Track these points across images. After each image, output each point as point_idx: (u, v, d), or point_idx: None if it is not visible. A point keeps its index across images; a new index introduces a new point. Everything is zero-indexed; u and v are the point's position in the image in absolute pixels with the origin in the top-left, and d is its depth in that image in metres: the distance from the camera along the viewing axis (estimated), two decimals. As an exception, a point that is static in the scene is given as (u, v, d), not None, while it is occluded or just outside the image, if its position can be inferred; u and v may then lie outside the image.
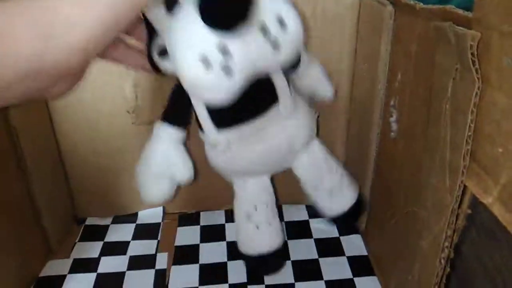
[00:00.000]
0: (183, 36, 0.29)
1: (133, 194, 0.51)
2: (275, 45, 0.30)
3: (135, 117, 0.50)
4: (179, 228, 0.55)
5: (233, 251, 0.49)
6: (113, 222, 0.56)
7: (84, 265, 0.49)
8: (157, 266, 0.49)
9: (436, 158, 0.31)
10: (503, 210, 0.24)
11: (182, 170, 0.41)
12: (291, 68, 0.41)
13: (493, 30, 0.24)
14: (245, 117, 0.38)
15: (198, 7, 0.27)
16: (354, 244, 0.52)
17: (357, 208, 0.49)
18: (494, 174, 0.25)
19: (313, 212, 0.57)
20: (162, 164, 0.40)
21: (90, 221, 0.57)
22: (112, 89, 0.49)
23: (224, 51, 0.29)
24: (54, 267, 0.48)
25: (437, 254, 0.31)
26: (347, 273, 0.47)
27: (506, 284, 0.26)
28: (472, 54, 0.26)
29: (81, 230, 0.55)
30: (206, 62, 0.29)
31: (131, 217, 0.56)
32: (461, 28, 0.27)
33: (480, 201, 0.26)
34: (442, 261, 0.31)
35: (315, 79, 0.45)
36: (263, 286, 0.46)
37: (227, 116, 0.38)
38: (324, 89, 0.46)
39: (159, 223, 0.56)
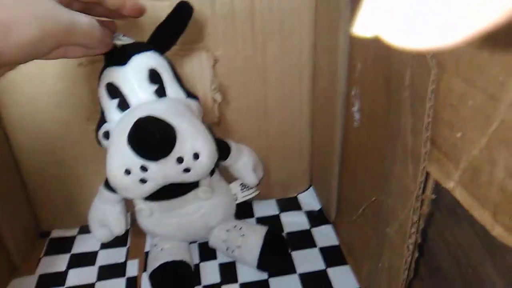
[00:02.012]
0: (117, 149, 0.37)
1: (98, 202, 0.49)
2: (186, 170, 0.38)
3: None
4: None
5: (201, 253, 0.49)
6: (80, 232, 0.54)
7: (51, 280, 0.47)
8: (128, 274, 0.48)
9: (398, 146, 0.32)
10: (464, 194, 0.24)
11: (115, 227, 0.47)
12: (220, 157, 0.45)
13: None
14: (166, 196, 0.43)
15: (128, 138, 0.35)
16: (325, 235, 0.52)
17: (272, 244, 0.47)
18: (454, 159, 0.25)
19: (283, 205, 0.57)
20: (102, 216, 0.47)
21: (55, 233, 0.55)
22: (69, 97, 0.47)
23: (144, 169, 0.37)
24: (19, 285, 0.46)
25: (404, 241, 0.31)
26: (320, 264, 0.48)
27: (468, 258, 0.26)
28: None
29: (46, 244, 0.53)
30: (128, 173, 0.37)
31: (98, 226, 0.55)
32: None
33: (442, 186, 0.27)
34: (410, 246, 0.31)
35: (240, 171, 0.49)
36: (237, 285, 0.46)
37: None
38: (248, 180, 0.50)
39: (127, 230, 0.54)
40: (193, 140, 0.37)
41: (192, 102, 0.41)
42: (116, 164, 0.37)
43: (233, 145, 0.48)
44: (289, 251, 0.49)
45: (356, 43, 0.40)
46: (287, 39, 0.48)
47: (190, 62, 0.46)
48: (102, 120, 0.41)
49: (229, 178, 0.50)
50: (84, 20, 0.32)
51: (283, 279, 0.46)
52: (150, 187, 0.38)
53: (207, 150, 0.38)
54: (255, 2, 0.45)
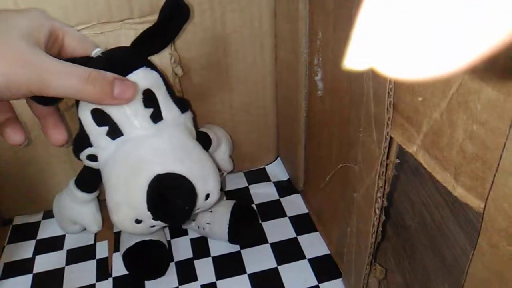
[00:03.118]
0: (127, 198, 0.34)
1: (62, 186, 0.48)
2: (197, 209, 0.37)
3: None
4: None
5: (171, 231, 0.49)
6: (44, 217, 0.53)
7: (17, 268, 0.46)
8: (98, 256, 0.47)
9: (361, 112, 0.32)
10: (427, 157, 0.25)
11: (92, 226, 0.47)
12: None
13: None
14: None
15: (150, 207, 0.33)
16: (294, 204, 0.53)
17: (241, 217, 0.47)
18: (416, 123, 0.26)
19: (252, 177, 0.58)
20: (75, 216, 0.46)
21: (18, 220, 0.53)
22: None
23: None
24: (-17, 275, 0.45)
25: (371, 205, 0.32)
26: (290, 233, 0.48)
27: (432, 215, 0.27)
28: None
29: (9, 231, 0.51)
30: (139, 222, 0.35)
31: (63, 209, 0.53)
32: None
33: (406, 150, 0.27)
34: (377, 211, 0.32)
35: (218, 160, 0.49)
36: (210, 258, 0.46)
37: None
38: (225, 167, 0.51)
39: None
40: (204, 183, 0.36)
41: (187, 117, 0.39)
42: (126, 216, 0.35)
43: (213, 137, 0.47)
44: (259, 222, 0.50)
45: (316, 10, 0.39)
46: (246, 9, 0.47)
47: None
48: (85, 141, 0.37)
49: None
50: (76, 70, 0.28)
51: (255, 249, 0.47)
52: (158, 228, 0.38)
53: (217, 189, 0.37)
54: (211, -30, 0.44)
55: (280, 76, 0.52)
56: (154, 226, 0.37)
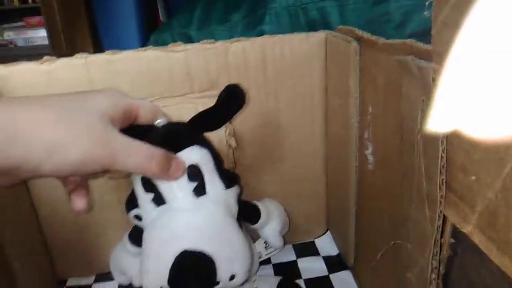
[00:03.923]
0: (155, 263, 0.36)
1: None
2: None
3: (111, 172, 0.49)
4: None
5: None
6: (96, 280, 0.54)
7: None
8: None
9: (413, 189, 0.31)
10: (482, 238, 0.24)
11: (135, 279, 0.47)
12: (249, 221, 0.47)
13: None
14: None
15: (169, 282, 0.35)
16: (344, 281, 0.51)
17: None
18: (470, 203, 0.25)
19: (301, 251, 0.56)
20: (124, 267, 0.47)
21: (71, 282, 0.54)
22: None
23: None
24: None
25: (425, 286, 0.30)
26: (340, 312, 0.46)
27: None
28: (436, 86, 0.26)
29: (62, 292, 0.52)
30: None
31: (114, 273, 0.54)
32: (423, 61, 0.28)
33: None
34: (432, 293, 0.30)
35: (267, 235, 0.49)
36: (255, 334, 0.44)
37: None
38: (274, 244, 0.50)
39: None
40: (231, 264, 0.36)
41: (231, 193, 0.40)
42: (153, 284, 0.36)
43: (263, 210, 0.47)
44: (308, 298, 0.48)
45: (366, 86, 0.40)
46: (299, 84, 0.49)
47: (204, 108, 0.47)
48: (134, 202, 0.40)
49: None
50: (143, 149, 0.31)
51: (302, 328, 0.45)
52: None
53: (243, 271, 0.37)
54: (266, 50, 0.47)
55: (330, 150, 0.53)
56: None
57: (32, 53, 1.11)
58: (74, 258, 0.54)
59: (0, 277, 0.44)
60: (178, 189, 0.37)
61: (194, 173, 0.37)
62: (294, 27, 0.63)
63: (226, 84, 0.47)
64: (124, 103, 0.33)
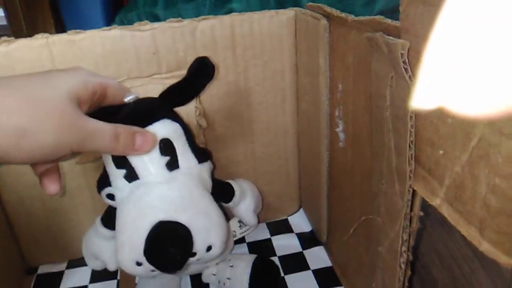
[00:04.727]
0: (129, 240, 0.35)
1: (86, 235, 0.49)
2: (197, 260, 0.37)
3: (79, 157, 0.48)
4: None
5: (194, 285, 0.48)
6: (68, 267, 0.53)
7: (39, 318, 0.46)
8: (119, 308, 0.47)
9: (383, 164, 0.32)
10: (450, 211, 0.25)
11: (110, 263, 0.47)
12: (222, 201, 0.47)
13: (421, 38, 0.25)
14: None
15: (144, 252, 0.34)
16: (318, 257, 0.52)
17: (261, 272, 0.46)
18: (438, 176, 0.25)
19: (274, 229, 0.57)
20: (97, 251, 0.47)
21: (42, 269, 0.53)
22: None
23: None
24: (6, 325, 0.45)
25: (396, 259, 0.31)
26: (314, 287, 0.47)
27: (461, 269, 0.26)
28: (404, 62, 0.26)
29: (33, 281, 0.51)
30: (139, 265, 0.36)
31: (87, 259, 0.54)
32: (391, 37, 0.28)
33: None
34: (402, 265, 0.31)
35: (241, 213, 0.50)
36: (231, 312, 0.45)
37: None
38: (248, 221, 0.51)
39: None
40: (207, 235, 0.36)
41: (204, 167, 0.40)
42: (128, 257, 0.36)
43: (236, 189, 0.47)
44: (282, 275, 0.49)
45: (336, 64, 0.40)
46: (269, 63, 0.49)
47: (173, 90, 0.46)
48: (106, 180, 0.39)
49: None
50: (108, 130, 0.31)
51: (277, 304, 0.45)
52: (158, 273, 0.38)
53: (220, 242, 0.37)
54: (235, 28, 0.46)
55: (301, 128, 0.53)
56: (154, 270, 0.36)
57: None
58: (45, 245, 0.53)
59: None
60: (150, 164, 0.36)
61: (166, 146, 0.37)
62: (263, 5, 0.62)
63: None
64: (92, 83, 0.32)
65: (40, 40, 0.42)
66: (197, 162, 0.39)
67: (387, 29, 0.29)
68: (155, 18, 0.78)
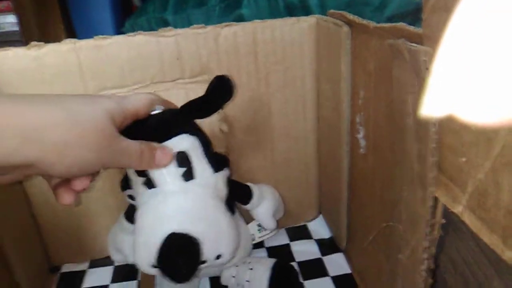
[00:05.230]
0: (146, 243, 0.37)
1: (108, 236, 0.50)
2: (206, 266, 0.39)
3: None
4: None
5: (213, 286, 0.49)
6: (90, 266, 0.54)
7: (62, 316, 0.47)
8: (139, 308, 0.47)
9: (405, 171, 0.32)
10: (472, 218, 0.24)
11: (130, 256, 0.48)
12: (240, 202, 0.48)
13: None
14: None
15: (157, 260, 0.36)
16: (337, 263, 0.51)
17: (280, 276, 0.47)
18: (460, 184, 0.25)
19: (293, 234, 0.57)
20: (119, 244, 0.48)
21: (65, 268, 0.54)
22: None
23: None
24: (30, 322, 0.46)
25: (417, 267, 0.31)
26: (333, 294, 0.47)
27: (475, 276, 0.26)
28: (427, 69, 0.26)
29: (57, 279, 0.53)
30: (155, 267, 0.37)
31: (109, 260, 0.55)
32: (413, 44, 0.28)
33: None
34: (423, 273, 0.31)
35: (259, 216, 0.50)
36: (250, 317, 0.45)
37: None
38: (267, 225, 0.51)
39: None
40: (217, 245, 0.38)
41: (219, 176, 0.41)
42: (145, 259, 0.37)
43: (255, 191, 0.48)
44: (301, 280, 0.49)
45: (357, 71, 0.41)
46: (290, 69, 0.49)
47: (196, 94, 0.47)
48: (128, 183, 0.42)
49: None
50: (135, 149, 0.33)
51: (295, 309, 0.45)
52: None
53: (228, 251, 0.39)
54: (257, 35, 0.47)
55: (322, 134, 0.53)
56: None
57: (2, 40, 1.08)
58: (68, 245, 0.54)
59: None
60: (167, 174, 0.38)
61: (183, 159, 0.38)
62: (272, 11, 0.63)
63: (216, 69, 0.47)
64: (126, 106, 0.34)
65: (68, 45, 0.43)
66: (212, 171, 0.40)
67: (409, 36, 0.29)
68: (164, 24, 0.79)
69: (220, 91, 0.39)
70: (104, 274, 0.53)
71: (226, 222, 0.39)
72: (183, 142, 0.39)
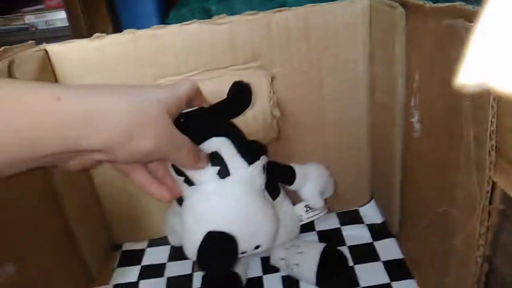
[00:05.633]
0: (191, 236, 0.39)
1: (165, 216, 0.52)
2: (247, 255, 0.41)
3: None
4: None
5: (264, 266, 0.50)
6: (149, 245, 0.58)
7: (123, 291, 0.50)
8: (194, 286, 0.50)
9: (461, 155, 0.31)
10: (534, 203, 0.24)
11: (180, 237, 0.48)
12: (285, 183, 0.49)
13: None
14: None
15: (196, 257, 0.38)
16: (389, 248, 0.51)
17: (330, 261, 0.47)
18: (521, 168, 0.24)
19: (345, 219, 0.57)
20: (173, 225, 0.51)
21: (126, 246, 0.58)
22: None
23: None
24: (96, 294, 0.50)
25: (472, 253, 0.30)
26: (384, 278, 0.47)
27: None
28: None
29: (119, 256, 0.56)
30: None
31: (166, 240, 0.57)
32: (472, 24, 0.27)
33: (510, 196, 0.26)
34: (479, 259, 0.30)
35: (305, 196, 0.50)
36: (301, 297, 0.46)
37: None
38: (313, 204, 0.50)
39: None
40: (254, 238, 0.40)
41: (255, 168, 0.41)
42: (190, 249, 0.40)
43: (298, 171, 0.48)
44: (351, 265, 0.49)
45: (413, 53, 0.40)
46: (342, 53, 0.49)
47: (248, 80, 0.48)
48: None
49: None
50: (187, 144, 0.35)
51: (346, 292, 0.46)
52: None
53: (266, 241, 0.40)
54: (308, 20, 0.46)
55: (375, 118, 0.52)
56: None
57: (52, 36, 1.14)
58: (129, 224, 0.57)
59: (63, 238, 0.48)
60: (203, 174, 0.39)
61: (216, 158, 0.40)
62: None
63: (268, 55, 0.47)
64: (179, 95, 0.35)
65: (128, 35, 0.45)
66: (247, 165, 0.41)
67: (467, 16, 0.28)
68: (207, 13, 0.80)
69: (237, 98, 0.42)
70: (161, 253, 0.56)
71: (263, 214, 0.41)
72: (214, 144, 0.40)
